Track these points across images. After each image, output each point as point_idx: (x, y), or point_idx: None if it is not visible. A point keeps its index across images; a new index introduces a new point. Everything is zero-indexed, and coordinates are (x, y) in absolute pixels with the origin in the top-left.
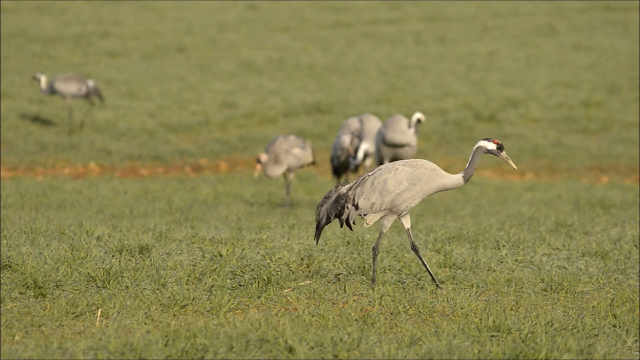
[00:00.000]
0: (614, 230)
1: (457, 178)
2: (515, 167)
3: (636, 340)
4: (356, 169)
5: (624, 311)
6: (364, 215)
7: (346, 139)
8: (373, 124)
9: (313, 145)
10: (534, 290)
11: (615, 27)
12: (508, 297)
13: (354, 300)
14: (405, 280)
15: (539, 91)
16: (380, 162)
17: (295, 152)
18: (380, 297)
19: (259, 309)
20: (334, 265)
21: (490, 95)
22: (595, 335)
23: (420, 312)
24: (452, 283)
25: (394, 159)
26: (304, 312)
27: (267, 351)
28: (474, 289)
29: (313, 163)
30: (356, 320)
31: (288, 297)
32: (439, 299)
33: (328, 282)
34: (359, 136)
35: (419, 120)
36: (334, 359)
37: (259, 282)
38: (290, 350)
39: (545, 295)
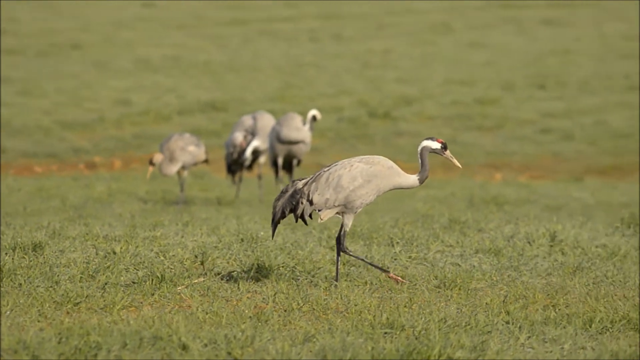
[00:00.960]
0: (507, 227)
1: (413, 179)
2: (460, 165)
3: (529, 337)
4: (250, 166)
5: (516, 308)
6: (319, 210)
7: (238, 136)
8: (266, 122)
9: (208, 143)
10: (428, 287)
11: (510, 24)
12: (402, 294)
13: (247, 297)
14: (299, 278)
15: (434, 89)
16: (274, 160)
17: (190, 149)
18: (274, 295)
19: (153, 306)
20: (228, 263)
21: (385, 92)
22: (489, 332)
23: (314, 309)
24: (345, 280)
25: (289, 156)
26: (197, 310)
27: (160, 349)
28: (368, 286)
29: (206, 161)
30: (250, 317)
31: (182, 295)
32: (332, 296)
33: (222, 279)
34: (253, 133)
35: (314, 118)
36: (228, 357)
37: (152, 280)
38: (184, 347)
39: (439, 292)
